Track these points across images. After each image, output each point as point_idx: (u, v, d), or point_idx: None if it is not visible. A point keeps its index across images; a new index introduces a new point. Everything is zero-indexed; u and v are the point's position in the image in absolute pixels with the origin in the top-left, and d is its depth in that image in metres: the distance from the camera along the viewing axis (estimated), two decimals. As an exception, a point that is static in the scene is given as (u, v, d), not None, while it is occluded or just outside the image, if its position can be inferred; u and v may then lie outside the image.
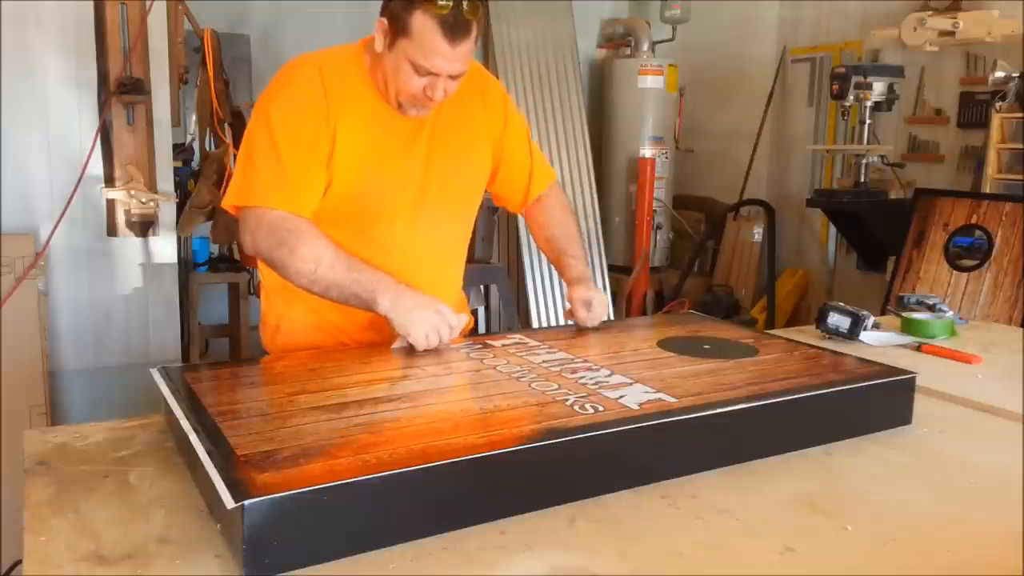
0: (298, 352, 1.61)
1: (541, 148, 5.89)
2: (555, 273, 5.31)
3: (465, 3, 1.43)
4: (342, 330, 1.69)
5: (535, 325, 5.04)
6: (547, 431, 1.12)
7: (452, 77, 1.51)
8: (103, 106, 2.94)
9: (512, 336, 1.67)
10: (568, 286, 1.82)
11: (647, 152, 5.81)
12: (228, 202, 1.57)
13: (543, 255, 1.99)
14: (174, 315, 3.22)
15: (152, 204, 3.04)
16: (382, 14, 1.49)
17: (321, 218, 1.57)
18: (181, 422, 1.13)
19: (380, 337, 1.65)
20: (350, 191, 1.58)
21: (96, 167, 2.96)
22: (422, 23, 1.43)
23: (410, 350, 1.53)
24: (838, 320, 2.00)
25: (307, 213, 1.54)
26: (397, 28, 1.46)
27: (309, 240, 1.51)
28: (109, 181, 2.99)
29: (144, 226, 3.06)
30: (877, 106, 4.51)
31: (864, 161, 4.63)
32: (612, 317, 5.37)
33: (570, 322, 1.80)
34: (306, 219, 1.54)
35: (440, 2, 1.41)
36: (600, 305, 1.76)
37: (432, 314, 1.52)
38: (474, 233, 1.87)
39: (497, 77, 5.36)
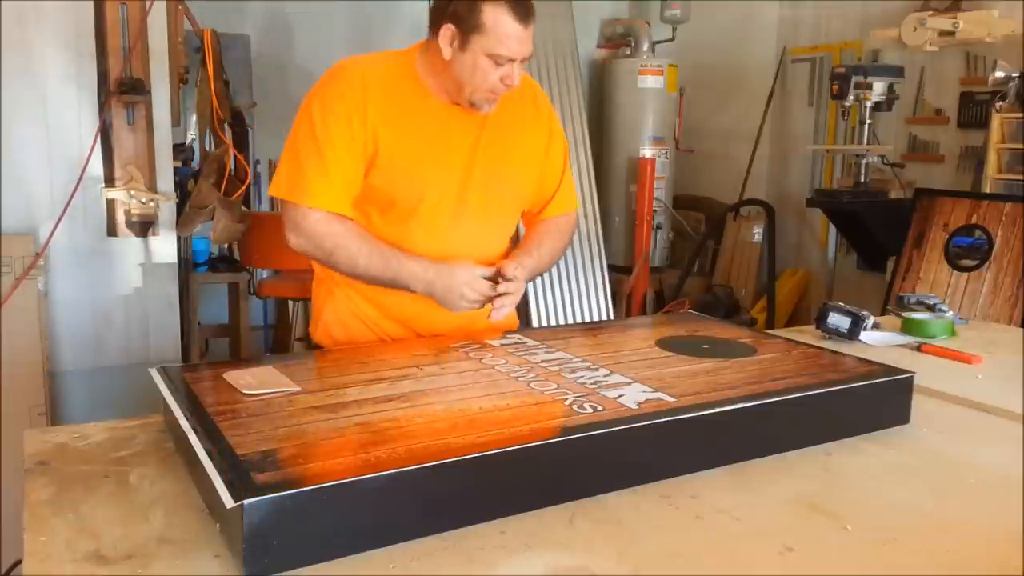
0: (296, 352, 1.62)
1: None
2: (555, 273, 5.33)
3: None
4: (377, 324, 1.75)
5: (535, 325, 5.05)
6: (546, 431, 1.12)
7: (522, 62, 1.58)
8: (103, 106, 2.94)
9: (511, 336, 1.67)
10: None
11: (647, 152, 5.81)
12: (274, 193, 1.65)
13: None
14: (174, 315, 3.22)
15: (152, 204, 3.04)
16: (442, 23, 1.55)
17: (365, 211, 1.66)
18: (180, 422, 1.13)
19: (411, 334, 1.74)
20: (392, 189, 1.64)
21: (96, 167, 2.96)
22: (494, 14, 1.51)
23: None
24: (838, 320, 1.99)
25: (347, 210, 1.63)
26: (467, 28, 1.53)
27: (345, 243, 1.61)
28: (109, 181, 2.99)
29: (144, 226, 3.06)
30: (877, 106, 4.51)
31: (864, 161, 4.63)
32: (612, 317, 5.37)
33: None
34: (344, 218, 1.62)
35: None
36: (513, 298, 1.65)
37: (450, 290, 1.61)
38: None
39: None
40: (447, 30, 1.55)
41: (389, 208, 1.65)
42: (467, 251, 1.69)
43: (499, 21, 1.51)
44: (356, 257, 1.61)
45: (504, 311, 1.65)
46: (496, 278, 1.63)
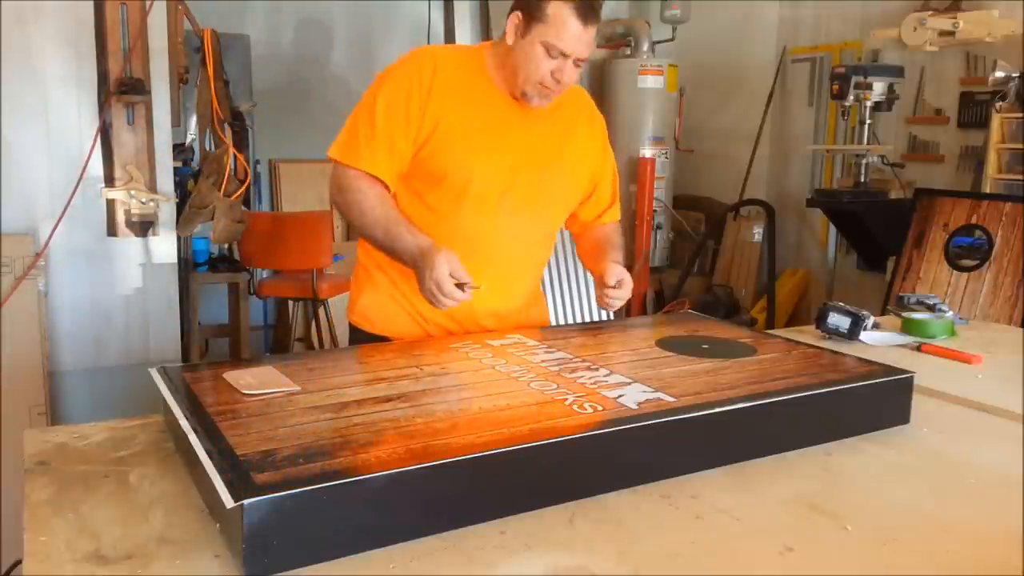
0: (296, 352, 1.63)
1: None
2: (555, 274, 5.32)
3: None
4: (422, 315, 1.78)
5: (535, 325, 5.03)
6: (546, 431, 1.12)
7: (577, 63, 1.64)
8: (103, 106, 2.94)
9: (511, 336, 1.67)
10: (604, 269, 1.81)
11: (647, 152, 5.81)
12: (329, 153, 1.74)
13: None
14: (174, 315, 3.22)
15: (152, 204, 3.04)
16: (512, 11, 1.65)
17: (415, 187, 1.73)
18: (180, 422, 1.13)
19: (453, 323, 1.78)
20: (444, 165, 1.70)
21: (96, 167, 2.96)
22: (557, 7, 1.60)
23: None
24: (838, 320, 1.99)
25: (384, 175, 1.70)
26: (531, 16, 1.62)
27: (364, 200, 1.69)
28: (109, 181, 2.99)
29: (144, 226, 3.06)
30: (877, 106, 4.51)
31: (864, 161, 4.63)
32: (612, 317, 5.37)
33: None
34: (373, 180, 1.69)
35: None
36: (629, 287, 1.76)
37: (424, 282, 1.62)
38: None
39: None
40: (515, 17, 1.64)
41: (439, 183, 1.71)
42: (512, 237, 1.77)
43: (561, 15, 1.59)
44: (369, 214, 1.68)
45: (615, 304, 1.77)
46: (463, 287, 1.62)
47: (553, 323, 2.01)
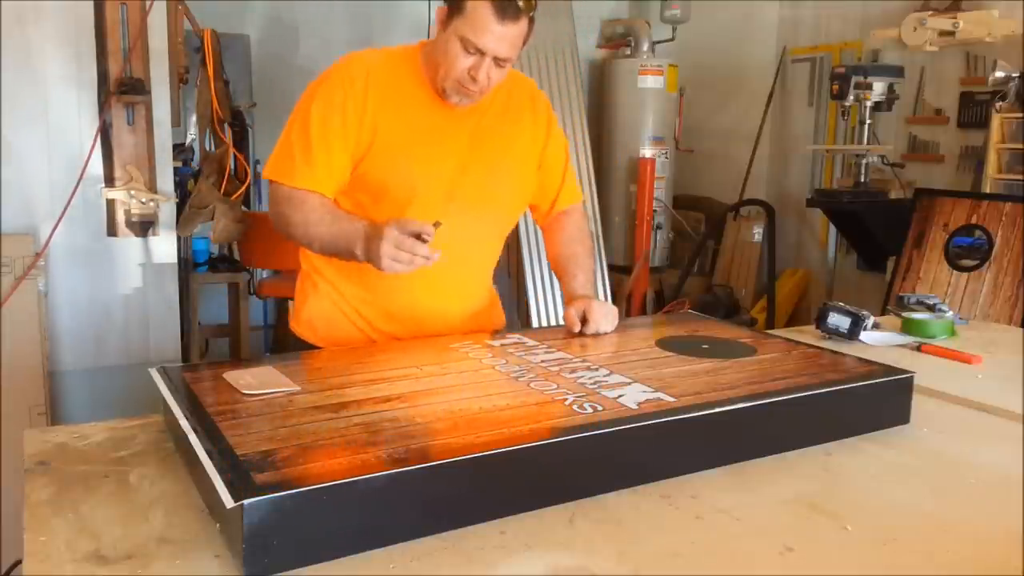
0: (297, 352, 1.63)
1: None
2: (549, 274, 5.33)
3: None
4: (366, 319, 1.74)
5: (535, 325, 5.04)
6: (546, 431, 1.12)
7: (498, 62, 1.57)
8: (103, 106, 2.94)
9: (511, 336, 1.67)
10: (565, 305, 1.81)
11: (647, 152, 5.81)
12: (264, 174, 1.69)
13: (544, 258, 2.05)
14: (174, 315, 3.22)
15: (152, 204, 3.04)
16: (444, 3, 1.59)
17: (358, 199, 1.67)
18: (180, 422, 1.13)
19: (402, 329, 1.73)
20: (385, 178, 1.65)
21: (96, 167, 2.96)
22: (475, 3, 1.52)
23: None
24: (838, 320, 1.99)
25: (324, 192, 1.64)
26: (453, 9, 1.55)
27: (302, 207, 1.62)
28: (109, 181, 2.99)
29: (144, 226, 3.06)
30: (877, 106, 4.51)
31: (864, 161, 4.63)
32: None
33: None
34: (310, 191, 1.63)
35: None
36: (598, 311, 1.71)
37: (379, 247, 1.49)
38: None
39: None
40: (441, 11, 1.58)
41: (382, 197, 1.65)
42: (462, 239, 1.69)
43: (479, 10, 1.52)
44: (312, 214, 1.61)
45: (603, 329, 1.70)
46: (423, 237, 1.51)
47: (552, 323, 2.01)
